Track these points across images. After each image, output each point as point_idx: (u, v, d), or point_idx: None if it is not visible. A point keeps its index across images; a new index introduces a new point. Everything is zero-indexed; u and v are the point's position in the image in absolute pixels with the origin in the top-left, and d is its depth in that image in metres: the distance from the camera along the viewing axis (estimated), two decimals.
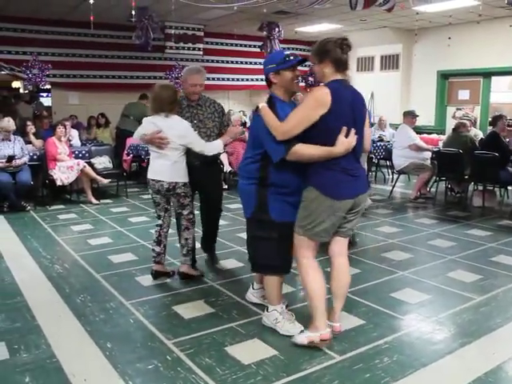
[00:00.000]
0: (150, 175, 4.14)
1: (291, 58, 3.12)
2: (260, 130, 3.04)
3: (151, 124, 4.04)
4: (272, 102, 3.08)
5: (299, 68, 3.20)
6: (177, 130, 4.00)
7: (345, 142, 2.89)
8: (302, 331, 3.19)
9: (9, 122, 6.96)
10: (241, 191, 3.30)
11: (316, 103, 2.87)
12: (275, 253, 3.19)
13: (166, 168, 4.04)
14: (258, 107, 3.04)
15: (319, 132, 2.89)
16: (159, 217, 4.34)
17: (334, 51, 2.93)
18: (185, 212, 4.24)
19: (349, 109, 2.93)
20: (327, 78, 2.98)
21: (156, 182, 4.10)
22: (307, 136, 2.90)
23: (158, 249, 4.31)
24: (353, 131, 2.92)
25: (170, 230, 5.99)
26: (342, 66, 2.97)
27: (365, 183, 3.16)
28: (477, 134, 8.57)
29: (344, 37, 3.01)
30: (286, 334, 3.25)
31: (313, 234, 3.04)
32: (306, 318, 3.27)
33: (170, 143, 3.98)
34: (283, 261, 3.25)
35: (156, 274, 4.33)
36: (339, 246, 3.21)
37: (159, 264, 4.35)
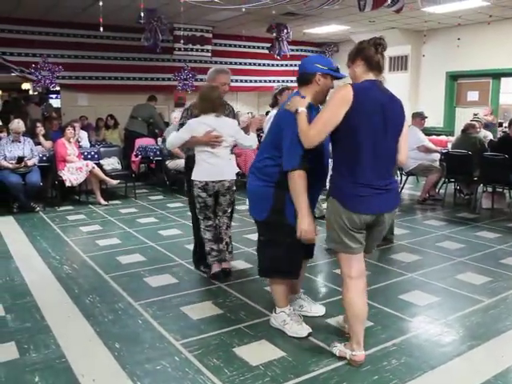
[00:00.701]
0: (206, 177, 4.07)
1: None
2: (285, 132, 2.93)
3: (203, 125, 4.02)
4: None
5: None
6: (229, 128, 4.08)
7: (305, 231, 2.92)
8: (337, 345, 3.06)
9: (18, 124, 7.00)
10: (253, 193, 3.21)
11: (338, 101, 2.70)
12: (286, 257, 3.16)
13: (224, 167, 4.11)
14: (297, 110, 2.85)
15: (345, 133, 2.72)
16: (209, 218, 4.27)
17: (368, 50, 2.76)
18: (229, 209, 4.31)
19: (378, 110, 2.71)
20: (358, 78, 2.81)
21: (216, 183, 4.10)
22: (334, 139, 2.80)
23: (220, 246, 4.30)
24: None
25: (177, 231, 6.03)
26: (373, 65, 2.78)
27: (392, 200, 2.90)
28: (486, 135, 8.52)
29: (380, 36, 2.83)
30: (294, 336, 3.25)
31: (343, 247, 2.85)
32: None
33: (224, 142, 4.05)
34: (293, 266, 3.22)
35: (227, 272, 4.35)
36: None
37: (225, 261, 4.35)
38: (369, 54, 2.76)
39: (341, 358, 2.99)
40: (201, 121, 4.05)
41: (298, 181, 2.90)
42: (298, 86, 3.16)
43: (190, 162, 4.25)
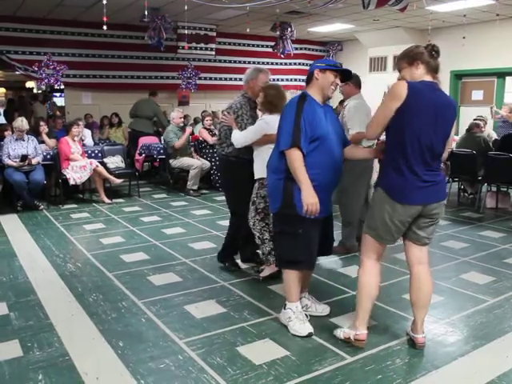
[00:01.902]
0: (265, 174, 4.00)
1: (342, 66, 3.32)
2: (282, 121, 3.19)
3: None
4: (303, 96, 3.19)
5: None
6: None
7: (310, 201, 3.05)
8: (342, 328, 3.26)
9: (22, 122, 7.01)
10: (268, 186, 3.42)
11: (391, 95, 2.87)
12: (301, 248, 3.22)
13: None
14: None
15: (396, 128, 2.86)
16: (265, 217, 4.13)
17: (425, 54, 2.97)
18: None
19: (431, 111, 2.85)
20: (417, 79, 2.97)
21: None
22: (387, 133, 2.98)
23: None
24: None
25: (180, 229, 6.04)
26: (431, 69, 2.98)
27: (441, 192, 3.02)
28: (490, 134, 8.50)
29: (434, 44, 3.05)
30: (295, 334, 3.27)
31: (376, 235, 3.02)
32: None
33: None
34: (308, 256, 3.28)
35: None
36: (415, 253, 3.10)
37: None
38: (427, 58, 2.97)
39: (344, 358, 2.99)
40: (277, 119, 3.89)
41: (293, 157, 3.08)
42: (305, 87, 3.37)
43: (242, 162, 4.19)
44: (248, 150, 4.11)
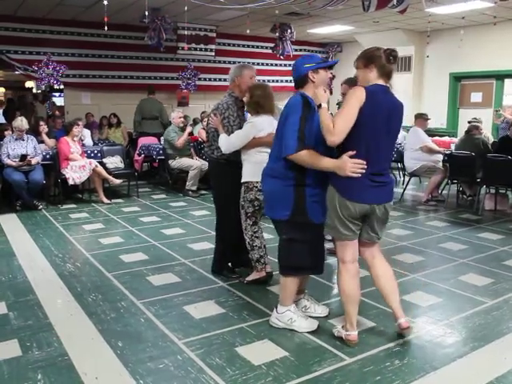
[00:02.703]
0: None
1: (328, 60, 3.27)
2: (287, 123, 3.08)
3: (267, 124, 3.90)
4: (306, 101, 3.12)
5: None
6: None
7: (348, 162, 2.90)
8: (337, 327, 3.32)
9: (22, 122, 7.01)
10: (272, 193, 3.26)
11: (353, 100, 2.92)
12: (312, 253, 3.24)
13: None
14: (320, 105, 3.01)
15: (353, 130, 2.90)
16: (257, 223, 4.10)
17: (382, 58, 3.03)
18: None
19: (385, 114, 2.96)
20: (370, 82, 3.05)
21: None
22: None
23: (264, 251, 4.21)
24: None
25: (179, 230, 6.05)
26: (385, 73, 3.04)
27: (390, 193, 3.15)
28: (487, 136, 8.53)
29: (393, 48, 3.11)
30: (306, 332, 3.31)
31: (337, 233, 3.09)
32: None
33: None
34: (318, 260, 3.32)
35: (271, 275, 4.26)
36: (369, 250, 3.27)
37: (267, 264, 4.24)
38: (383, 62, 3.03)
39: (343, 360, 3.00)
40: (266, 120, 3.91)
41: (304, 157, 3.02)
42: (296, 89, 3.30)
43: (233, 165, 4.07)
44: (238, 153, 4.01)
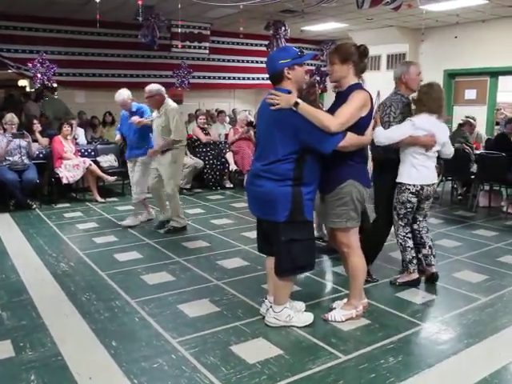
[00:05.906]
0: (422, 181, 3.93)
1: (303, 53, 3.23)
2: (301, 124, 3.01)
3: (427, 125, 3.85)
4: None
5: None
6: (445, 134, 4.00)
7: (369, 133, 3.27)
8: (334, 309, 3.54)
9: (12, 116, 7.01)
10: (269, 194, 3.12)
11: (362, 103, 3.10)
12: (311, 251, 3.27)
13: (434, 169, 4.01)
14: (297, 103, 2.99)
15: (359, 128, 3.14)
16: (409, 224, 4.09)
17: (356, 55, 3.18)
18: (429, 213, 4.27)
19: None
20: (347, 79, 3.21)
21: (430, 187, 3.98)
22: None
23: (423, 251, 4.19)
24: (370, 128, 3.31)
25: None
26: (361, 70, 3.23)
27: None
28: (480, 133, 8.60)
29: (363, 44, 3.25)
30: (306, 325, 3.34)
31: (354, 222, 3.32)
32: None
33: (437, 145, 3.93)
34: (313, 258, 3.33)
35: (437, 276, 4.20)
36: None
37: (432, 265, 4.20)
38: (358, 59, 3.20)
39: (338, 357, 3.00)
40: (428, 120, 3.86)
41: (352, 139, 3.11)
42: (273, 85, 3.24)
43: (388, 163, 4.03)
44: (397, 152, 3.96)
